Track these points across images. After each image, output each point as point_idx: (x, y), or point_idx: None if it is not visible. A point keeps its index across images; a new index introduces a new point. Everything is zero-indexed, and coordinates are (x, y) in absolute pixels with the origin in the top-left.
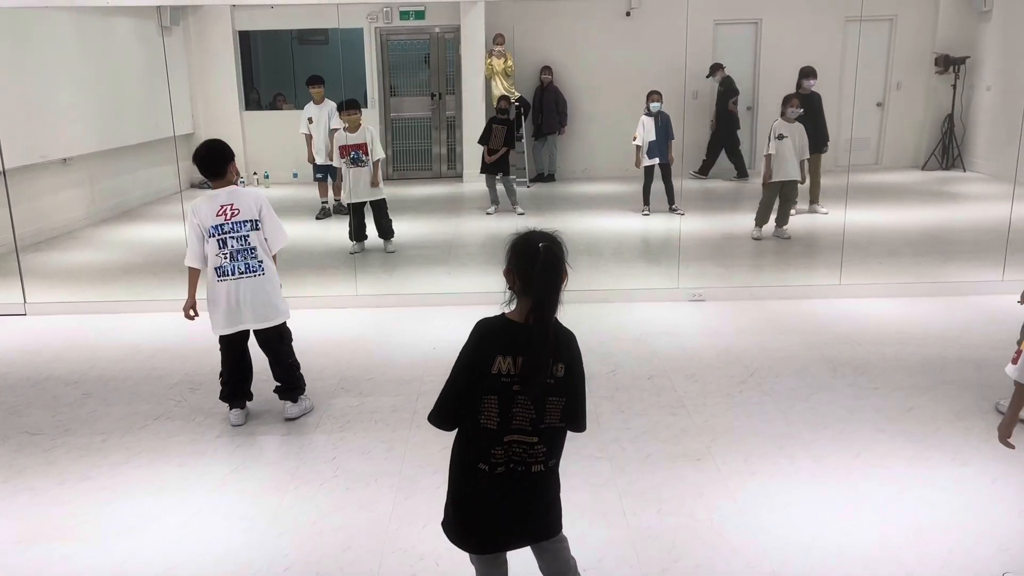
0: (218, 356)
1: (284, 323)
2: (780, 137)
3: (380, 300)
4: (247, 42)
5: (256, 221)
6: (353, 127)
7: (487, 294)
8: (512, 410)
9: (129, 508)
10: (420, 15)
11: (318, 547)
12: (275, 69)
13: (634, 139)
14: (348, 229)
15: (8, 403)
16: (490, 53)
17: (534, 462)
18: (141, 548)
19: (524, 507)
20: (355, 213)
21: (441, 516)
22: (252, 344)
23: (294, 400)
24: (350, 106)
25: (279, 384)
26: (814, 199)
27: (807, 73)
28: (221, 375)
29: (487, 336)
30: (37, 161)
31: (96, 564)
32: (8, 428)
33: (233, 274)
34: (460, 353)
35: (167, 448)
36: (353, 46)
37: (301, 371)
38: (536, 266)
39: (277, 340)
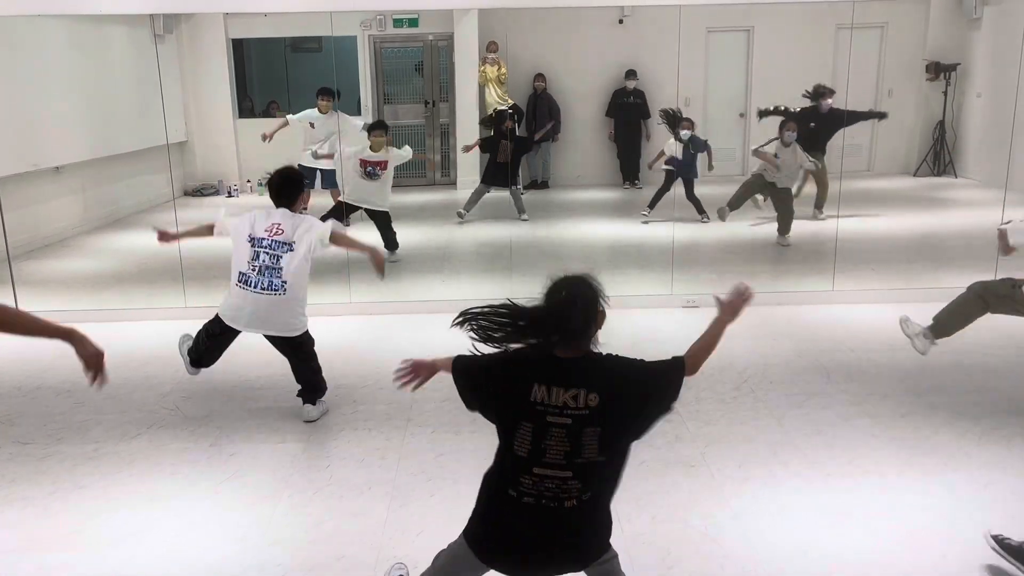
0: (214, 364)
1: (299, 336)
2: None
3: (374, 307)
4: (240, 50)
5: (292, 243)
6: (377, 148)
7: (482, 301)
8: (545, 441)
9: (122, 517)
10: (414, 23)
11: (312, 556)
12: (268, 77)
13: (661, 154)
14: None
15: None
16: (483, 60)
17: (567, 498)
18: (135, 557)
19: (549, 544)
20: (347, 208)
21: (436, 524)
22: (262, 350)
23: (313, 403)
24: (378, 128)
25: (302, 388)
26: (819, 205)
27: (821, 93)
28: (198, 336)
29: (527, 362)
30: (29, 169)
31: (90, 574)
32: (0, 437)
33: (255, 287)
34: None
35: (160, 457)
36: (347, 54)
37: (323, 375)
38: (552, 315)
39: (297, 347)
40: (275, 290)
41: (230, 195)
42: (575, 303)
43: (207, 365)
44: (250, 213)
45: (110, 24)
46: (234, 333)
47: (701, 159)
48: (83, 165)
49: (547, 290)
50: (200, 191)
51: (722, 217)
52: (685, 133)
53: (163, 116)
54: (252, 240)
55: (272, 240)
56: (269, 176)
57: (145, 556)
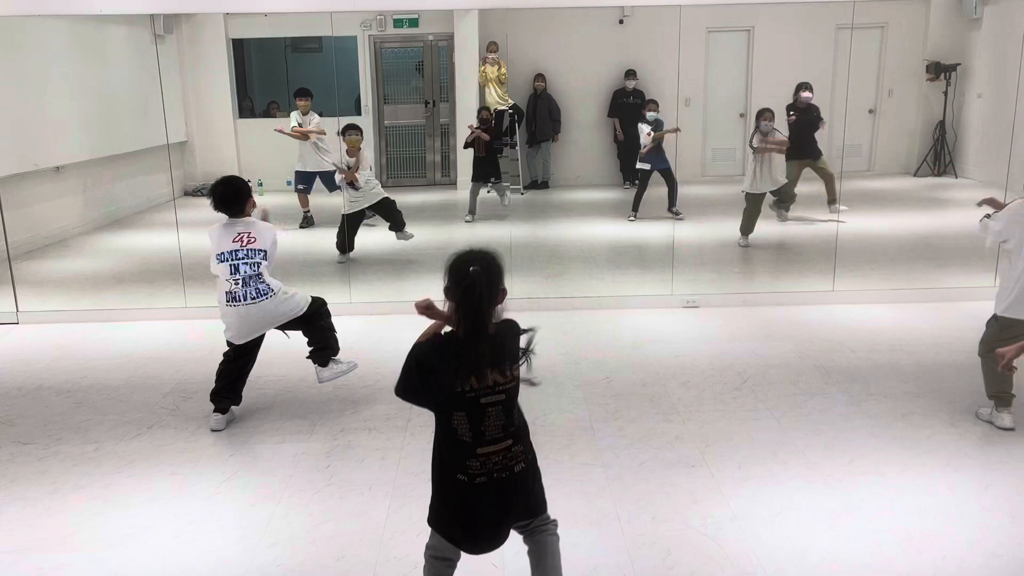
0: (213, 365)
1: (306, 311)
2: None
3: (374, 308)
4: (240, 50)
5: (265, 250)
6: (353, 149)
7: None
8: (484, 422)
9: (122, 517)
10: (414, 23)
11: (312, 556)
12: (268, 77)
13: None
14: (336, 240)
15: None
16: (484, 61)
17: (515, 463)
18: (134, 558)
19: (508, 512)
20: (350, 225)
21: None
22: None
23: (324, 363)
24: (351, 130)
25: (312, 348)
26: (832, 200)
27: (802, 87)
28: (218, 371)
29: (444, 356)
30: (29, 169)
31: (90, 574)
32: (0, 437)
33: (244, 300)
34: (412, 349)
35: (160, 457)
36: (347, 54)
37: (336, 335)
38: (464, 289)
39: (308, 316)
40: (263, 295)
41: None
42: (476, 289)
43: (234, 395)
44: (210, 234)
45: (110, 24)
46: (251, 349)
47: (674, 157)
48: (83, 165)
49: (452, 273)
50: (200, 191)
51: (744, 245)
52: (651, 115)
53: (163, 116)
54: (222, 256)
55: (247, 249)
56: (211, 187)
57: (145, 556)
